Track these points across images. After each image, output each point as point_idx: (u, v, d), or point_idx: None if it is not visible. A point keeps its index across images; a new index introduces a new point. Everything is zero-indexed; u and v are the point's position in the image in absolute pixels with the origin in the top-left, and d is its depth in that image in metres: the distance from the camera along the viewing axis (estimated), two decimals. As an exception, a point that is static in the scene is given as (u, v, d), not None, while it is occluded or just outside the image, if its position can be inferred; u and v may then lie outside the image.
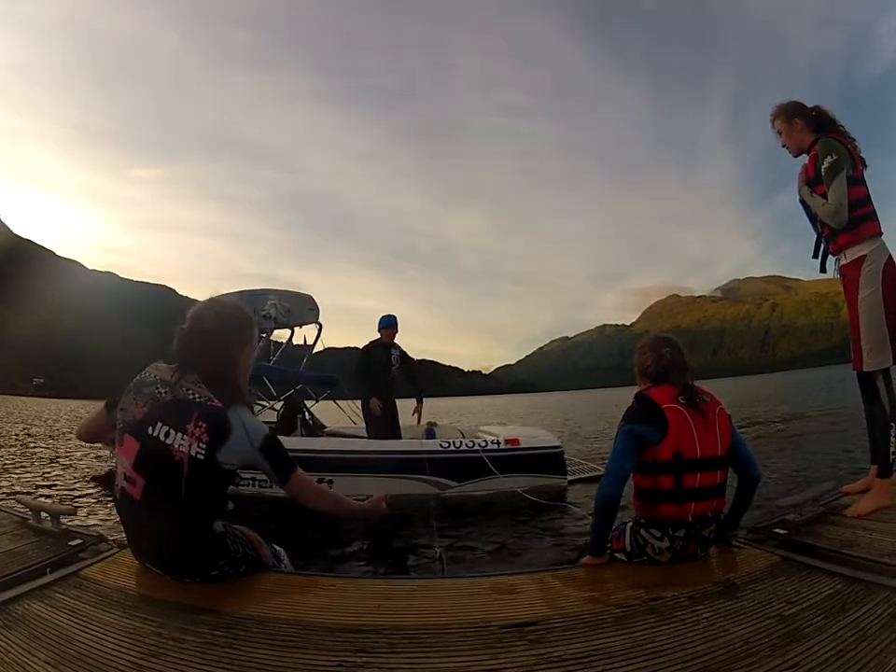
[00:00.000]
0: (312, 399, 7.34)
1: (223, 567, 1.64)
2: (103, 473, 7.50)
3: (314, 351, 7.64)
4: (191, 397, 1.60)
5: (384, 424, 5.98)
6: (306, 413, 6.86)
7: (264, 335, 6.44)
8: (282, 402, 6.93)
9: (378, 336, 6.18)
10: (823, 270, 2.61)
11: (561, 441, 6.56)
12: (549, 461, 6.00)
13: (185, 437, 1.53)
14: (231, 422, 1.58)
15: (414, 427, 6.63)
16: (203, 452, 1.53)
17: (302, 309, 6.69)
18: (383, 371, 6.05)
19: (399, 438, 6.15)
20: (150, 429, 1.56)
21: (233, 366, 1.73)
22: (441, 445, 5.81)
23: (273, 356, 7.26)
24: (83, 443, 2.29)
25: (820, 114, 2.57)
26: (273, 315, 6.31)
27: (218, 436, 1.55)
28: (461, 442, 5.86)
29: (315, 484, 1.79)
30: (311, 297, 6.80)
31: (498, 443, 5.89)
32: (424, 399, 6.62)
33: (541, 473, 5.86)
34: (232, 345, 1.73)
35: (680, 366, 1.95)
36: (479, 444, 5.85)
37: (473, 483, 5.69)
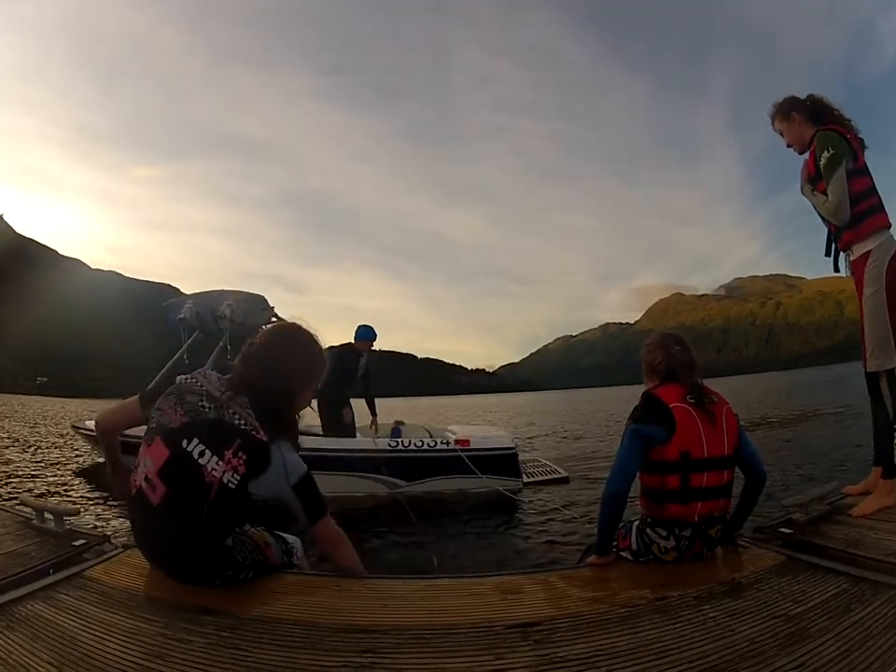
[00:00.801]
0: None
1: (227, 575, 1.61)
2: (86, 467, 7.72)
3: None
4: (237, 422, 1.54)
5: (345, 428, 6.01)
6: None
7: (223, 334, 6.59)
8: None
9: (350, 342, 6.22)
10: (837, 269, 2.56)
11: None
12: (501, 463, 5.97)
13: (220, 462, 1.49)
14: (271, 456, 1.54)
15: (385, 424, 6.68)
16: (236, 482, 1.50)
17: (257, 310, 6.75)
18: (349, 378, 6.10)
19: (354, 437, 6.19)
20: (185, 442, 1.51)
21: (292, 402, 1.69)
22: (389, 445, 5.80)
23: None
24: (98, 433, 2.20)
25: (815, 103, 2.51)
26: (228, 316, 6.41)
27: (256, 469, 1.52)
28: (410, 442, 5.85)
29: (342, 533, 1.75)
30: (264, 297, 6.88)
31: (448, 443, 5.88)
32: (377, 409, 6.65)
33: (494, 475, 5.82)
34: (298, 383, 1.69)
35: (690, 364, 1.94)
36: (427, 444, 5.86)
37: (422, 483, 5.71)
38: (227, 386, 1.60)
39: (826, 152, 2.32)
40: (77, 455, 8.94)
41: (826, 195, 2.36)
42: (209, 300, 6.65)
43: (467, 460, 5.70)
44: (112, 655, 1.21)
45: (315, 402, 6.43)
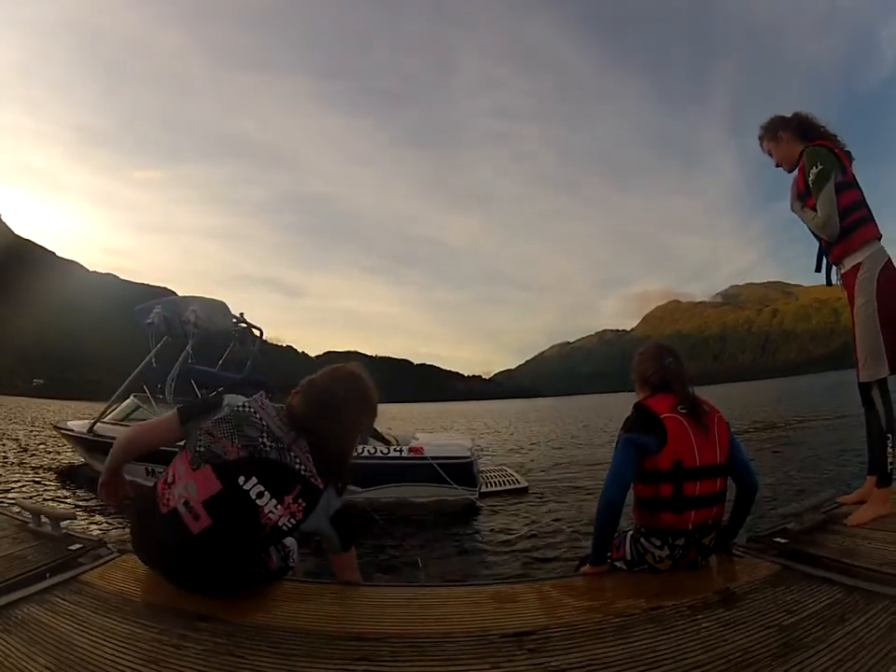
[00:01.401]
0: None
1: (229, 584, 1.62)
2: (65, 465, 8.03)
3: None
4: (297, 467, 1.51)
5: None
6: None
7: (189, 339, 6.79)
8: None
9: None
10: (829, 282, 2.58)
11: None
12: (456, 472, 6.00)
13: (279, 506, 1.48)
14: (321, 500, 1.56)
15: None
16: (290, 525, 1.52)
17: (219, 316, 6.96)
18: None
19: None
20: (242, 479, 1.46)
21: (351, 452, 1.68)
22: None
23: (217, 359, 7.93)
24: (124, 451, 1.99)
25: (802, 120, 2.54)
26: (192, 321, 6.59)
27: (310, 512, 1.54)
28: (363, 449, 5.88)
29: (356, 565, 1.81)
30: (225, 304, 7.09)
31: (401, 451, 5.95)
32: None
33: (448, 483, 5.87)
34: (359, 432, 1.69)
35: (682, 376, 1.95)
36: (381, 452, 5.92)
37: (376, 490, 5.76)
38: (288, 425, 1.56)
39: (815, 168, 2.35)
40: (74, 458, 8.95)
41: (816, 210, 2.38)
42: (176, 305, 6.80)
43: (421, 469, 5.81)
44: (108, 660, 1.21)
45: None
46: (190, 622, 1.40)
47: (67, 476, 7.26)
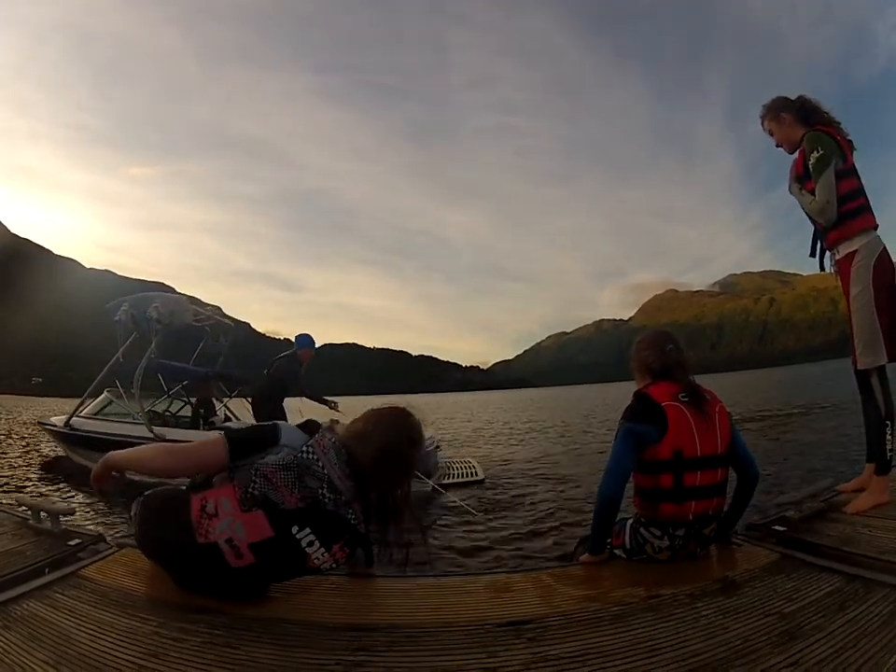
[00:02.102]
0: (226, 395, 8.21)
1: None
2: (51, 458, 8.26)
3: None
4: (349, 516, 1.50)
5: None
6: (218, 407, 7.92)
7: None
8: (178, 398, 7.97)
9: (295, 351, 6.27)
10: (822, 268, 2.57)
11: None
12: None
13: (326, 553, 1.48)
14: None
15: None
16: (331, 567, 1.53)
17: (180, 312, 7.08)
18: (288, 391, 6.25)
19: None
20: (295, 529, 1.44)
21: (409, 495, 1.65)
22: None
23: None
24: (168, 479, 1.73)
25: (805, 104, 2.52)
26: (155, 318, 6.73)
27: (352, 556, 1.56)
28: None
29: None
30: (186, 300, 7.31)
31: None
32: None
33: None
34: (412, 479, 1.68)
35: (684, 363, 1.94)
36: None
37: None
38: (349, 475, 1.51)
39: (816, 152, 2.34)
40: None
41: (814, 194, 2.37)
42: (141, 302, 6.91)
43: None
44: (108, 654, 1.21)
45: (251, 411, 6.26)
46: (189, 615, 1.40)
47: (62, 472, 7.32)
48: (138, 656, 1.21)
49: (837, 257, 2.45)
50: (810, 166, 2.36)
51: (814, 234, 2.58)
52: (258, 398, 6.29)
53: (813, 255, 2.59)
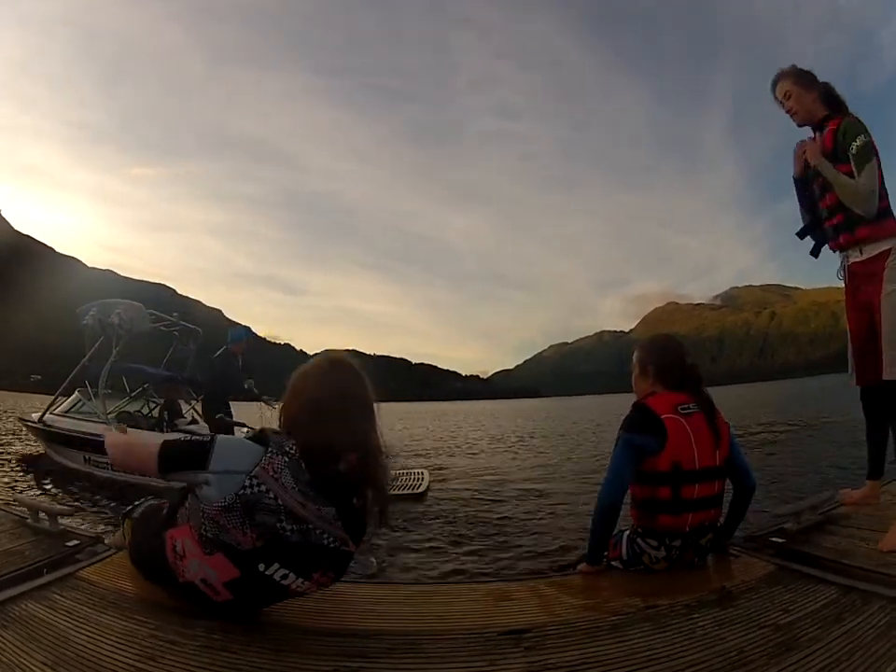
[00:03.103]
0: (193, 398, 8.42)
1: None
2: (34, 454, 8.45)
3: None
4: (326, 541, 1.31)
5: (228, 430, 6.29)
6: (186, 410, 8.20)
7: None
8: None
9: (225, 346, 6.37)
10: (816, 253, 2.42)
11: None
12: None
13: (306, 582, 1.35)
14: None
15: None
16: (322, 587, 1.42)
17: (139, 319, 7.34)
18: (232, 387, 6.37)
19: None
20: (262, 566, 1.28)
21: (385, 496, 1.44)
22: None
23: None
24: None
25: (831, 90, 2.35)
26: (117, 323, 6.99)
27: (340, 577, 1.44)
28: None
29: None
30: (142, 307, 7.54)
31: None
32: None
33: None
34: (388, 474, 1.45)
35: (698, 375, 1.94)
36: None
37: None
38: (309, 489, 1.28)
39: (863, 136, 2.17)
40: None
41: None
42: (107, 308, 7.22)
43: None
44: (105, 656, 1.21)
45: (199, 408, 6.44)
46: (186, 618, 1.40)
47: (40, 467, 7.43)
48: (135, 659, 1.20)
49: (857, 258, 2.27)
50: (854, 148, 2.17)
51: (810, 223, 2.41)
52: (205, 398, 6.50)
53: (816, 253, 2.44)
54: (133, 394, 8.47)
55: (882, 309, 2.15)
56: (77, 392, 8.06)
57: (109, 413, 7.02)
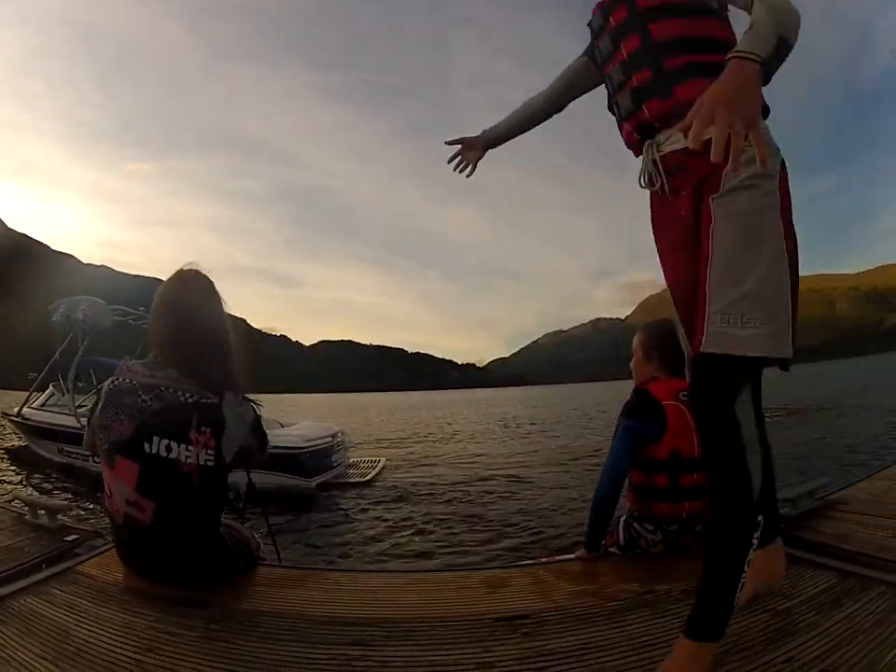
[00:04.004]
0: None
1: (223, 568, 1.62)
2: (13, 447, 9.12)
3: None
4: (182, 398, 1.45)
5: None
6: None
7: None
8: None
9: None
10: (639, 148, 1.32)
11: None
12: (285, 461, 6.32)
13: (190, 447, 1.41)
14: (225, 414, 1.48)
15: None
16: (213, 457, 1.45)
17: (102, 315, 7.69)
18: None
19: None
20: (147, 446, 1.41)
21: (223, 351, 1.57)
22: None
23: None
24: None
25: None
26: (82, 319, 7.35)
27: (220, 433, 1.46)
28: None
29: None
30: (105, 304, 7.85)
31: None
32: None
33: (281, 473, 6.20)
34: (221, 327, 1.57)
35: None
36: None
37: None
38: (154, 369, 1.49)
39: None
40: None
41: None
42: (74, 305, 7.52)
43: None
44: (104, 649, 1.22)
45: None
46: (185, 609, 1.41)
47: (23, 459, 7.58)
48: (135, 651, 1.21)
49: (681, 143, 1.16)
50: None
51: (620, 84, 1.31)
52: None
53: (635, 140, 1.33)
54: (98, 387, 8.67)
55: (714, 233, 1.12)
56: (51, 386, 8.59)
57: (79, 407, 7.42)
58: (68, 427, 7.43)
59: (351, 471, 7.58)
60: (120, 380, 1.50)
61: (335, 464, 7.25)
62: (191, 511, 1.47)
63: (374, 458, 8.63)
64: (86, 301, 7.51)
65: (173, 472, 1.42)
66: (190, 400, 1.45)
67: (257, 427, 1.62)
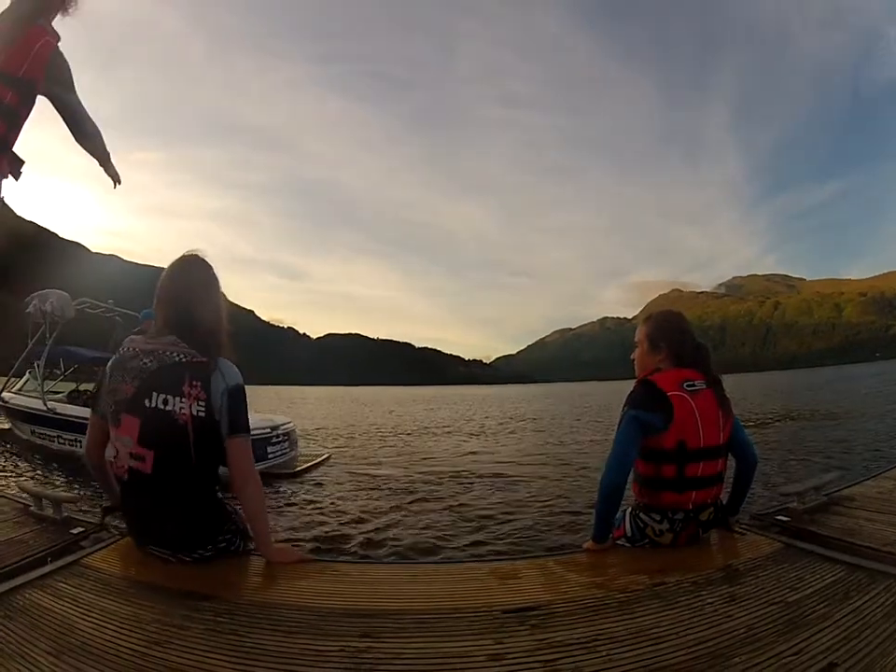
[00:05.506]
0: None
1: (227, 537, 1.69)
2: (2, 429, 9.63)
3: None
4: (178, 358, 1.63)
5: None
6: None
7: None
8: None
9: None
10: None
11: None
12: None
13: (183, 399, 1.59)
14: (211, 371, 1.65)
15: None
16: (204, 409, 1.60)
17: (67, 307, 8.17)
18: None
19: None
20: (147, 402, 1.59)
21: (216, 322, 1.75)
22: None
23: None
24: (92, 468, 1.90)
25: None
26: (50, 311, 7.92)
27: (209, 386, 1.62)
28: None
29: (255, 471, 1.74)
30: (69, 297, 8.34)
31: None
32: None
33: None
34: (214, 302, 1.76)
35: (707, 352, 1.93)
36: None
37: None
38: (153, 336, 1.69)
39: None
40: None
41: None
42: (45, 297, 8.00)
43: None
44: (110, 642, 1.20)
45: None
46: (192, 602, 1.39)
47: (57, 458, 7.55)
48: (142, 644, 1.20)
49: None
50: None
51: None
52: None
53: None
54: (66, 373, 10.02)
55: None
56: (27, 373, 9.22)
57: (57, 392, 8.11)
58: (38, 410, 7.98)
59: (295, 463, 7.69)
60: (125, 350, 1.71)
61: (270, 455, 7.31)
62: (187, 461, 1.60)
63: (319, 453, 8.88)
64: (54, 294, 8.03)
65: (170, 423, 1.58)
66: (184, 360, 1.64)
67: (235, 396, 1.69)
